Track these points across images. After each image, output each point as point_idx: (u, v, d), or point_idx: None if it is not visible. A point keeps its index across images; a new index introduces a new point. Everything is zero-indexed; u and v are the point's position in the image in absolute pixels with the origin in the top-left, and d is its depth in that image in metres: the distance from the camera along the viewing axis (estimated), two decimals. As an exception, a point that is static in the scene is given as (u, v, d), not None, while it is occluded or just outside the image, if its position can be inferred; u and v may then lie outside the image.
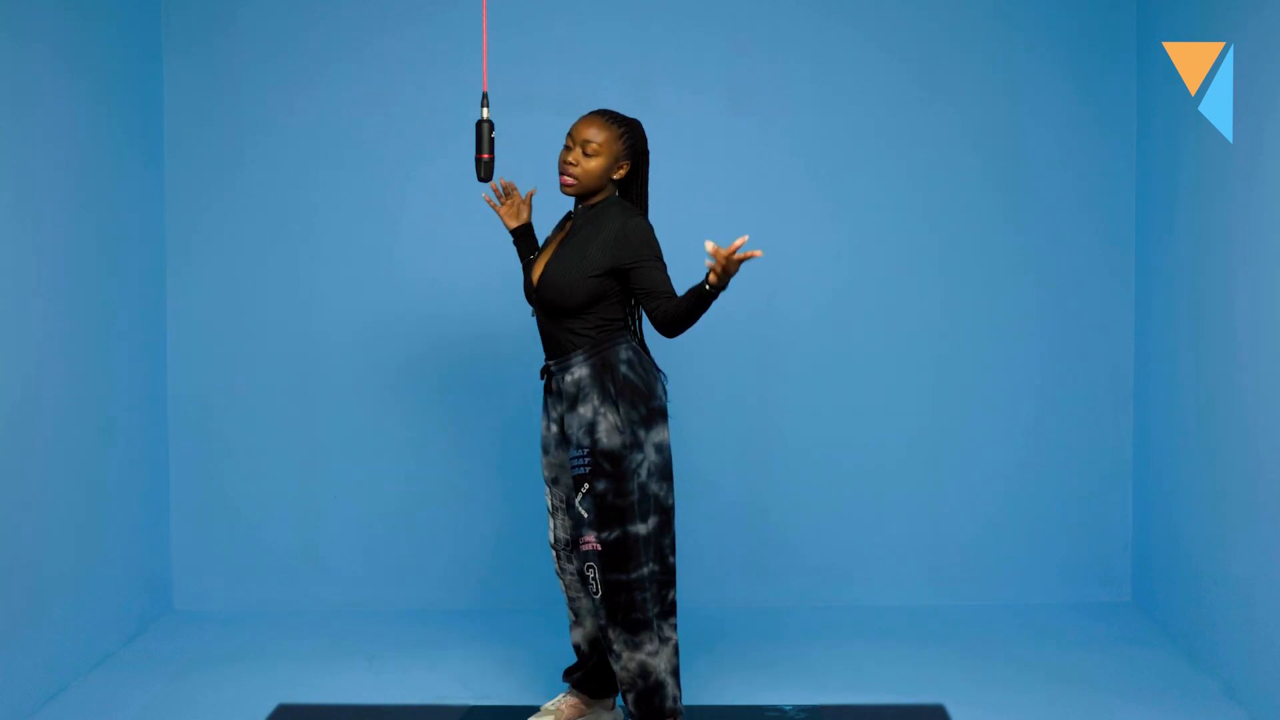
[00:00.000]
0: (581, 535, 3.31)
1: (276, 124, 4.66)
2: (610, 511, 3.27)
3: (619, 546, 3.27)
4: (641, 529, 3.29)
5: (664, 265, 3.27)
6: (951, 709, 3.74)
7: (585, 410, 3.28)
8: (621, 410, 3.27)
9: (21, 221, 3.70)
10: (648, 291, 3.23)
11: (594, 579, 3.30)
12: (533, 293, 3.40)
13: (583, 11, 4.65)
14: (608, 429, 3.26)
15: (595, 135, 3.30)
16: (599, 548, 3.28)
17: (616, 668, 3.34)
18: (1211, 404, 3.98)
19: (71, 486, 3.98)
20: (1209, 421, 4.00)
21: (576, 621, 3.56)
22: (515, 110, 4.40)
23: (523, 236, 3.58)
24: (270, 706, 3.79)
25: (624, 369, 3.30)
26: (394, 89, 4.65)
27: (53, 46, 3.87)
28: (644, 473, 3.29)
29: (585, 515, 3.29)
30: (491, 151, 3.32)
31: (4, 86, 3.60)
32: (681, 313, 3.16)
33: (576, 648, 3.60)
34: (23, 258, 3.71)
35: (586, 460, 3.27)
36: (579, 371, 3.30)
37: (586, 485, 3.28)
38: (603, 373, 3.28)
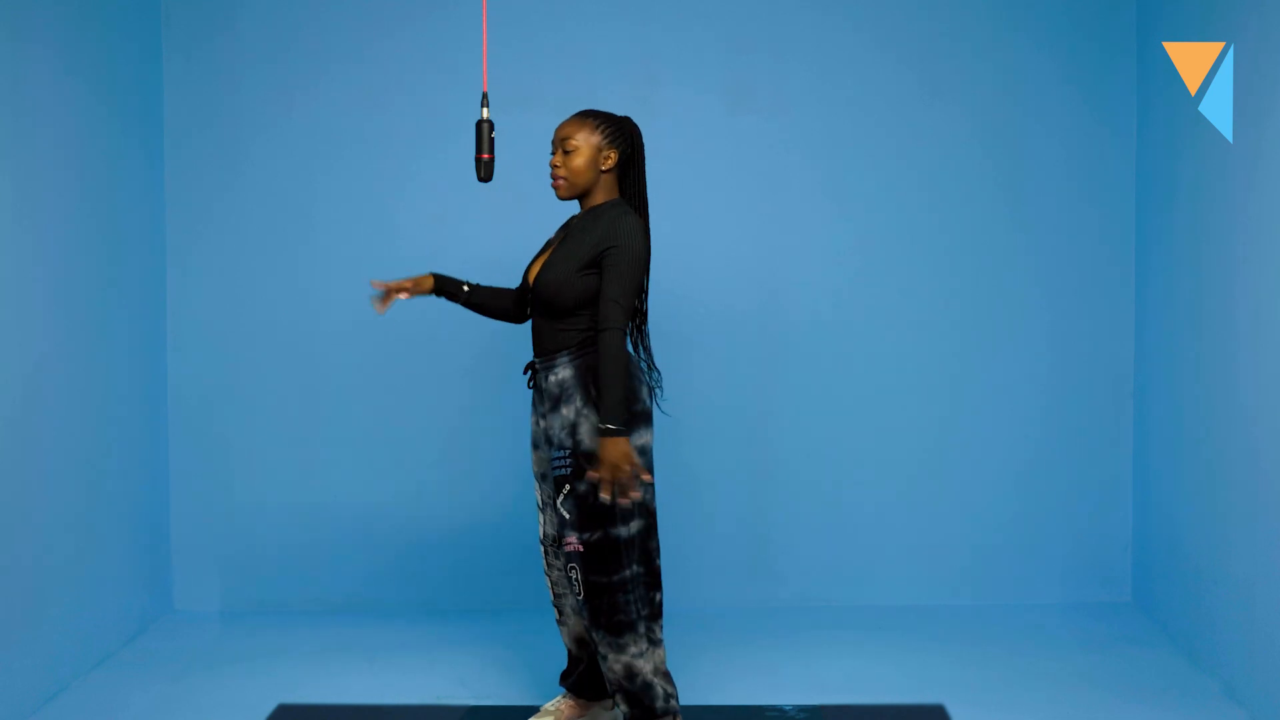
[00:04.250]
0: (564, 535, 3.29)
1: (276, 124, 4.66)
2: (591, 513, 3.24)
3: (600, 549, 3.25)
4: (624, 531, 3.26)
5: (630, 269, 3.19)
6: (951, 709, 3.74)
7: (568, 411, 3.26)
8: None
9: (22, 221, 3.70)
10: (602, 290, 3.19)
11: (576, 579, 3.29)
12: (528, 292, 3.40)
13: (583, 11, 4.65)
14: (589, 430, 3.23)
15: (570, 132, 3.32)
16: (581, 549, 3.26)
17: (604, 668, 3.33)
18: (1211, 404, 3.98)
19: (71, 486, 3.98)
20: (1209, 421, 4.00)
21: (561, 619, 3.56)
22: (515, 110, 4.40)
23: (444, 290, 3.49)
24: (270, 706, 3.79)
25: None
26: (394, 89, 4.65)
27: (53, 46, 3.87)
28: None
29: (567, 516, 3.28)
30: (491, 151, 3.33)
31: (4, 86, 3.60)
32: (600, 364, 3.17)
33: (568, 649, 3.60)
34: (23, 258, 3.71)
35: (568, 461, 3.25)
36: (563, 372, 3.29)
37: (568, 486, 3.26)
38: (585, 375, 3.26)
